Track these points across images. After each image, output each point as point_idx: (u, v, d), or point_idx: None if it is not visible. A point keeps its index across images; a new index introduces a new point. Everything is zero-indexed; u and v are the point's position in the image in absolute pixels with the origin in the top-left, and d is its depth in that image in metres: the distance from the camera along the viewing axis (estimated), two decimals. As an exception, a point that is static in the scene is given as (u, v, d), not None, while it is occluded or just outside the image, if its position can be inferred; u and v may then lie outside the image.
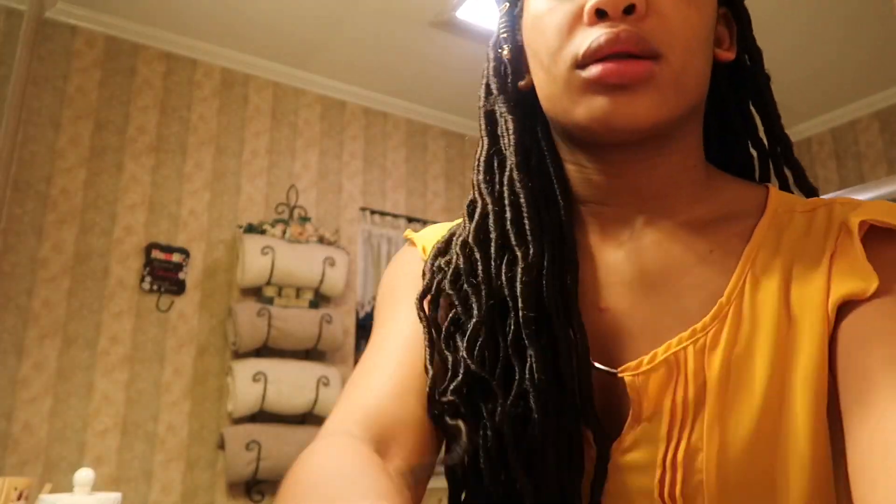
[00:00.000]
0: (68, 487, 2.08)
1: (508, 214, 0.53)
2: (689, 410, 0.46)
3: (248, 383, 2.69)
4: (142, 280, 2.75)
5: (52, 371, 2.54)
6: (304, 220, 3.12)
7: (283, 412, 2.78)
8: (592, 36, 0.47)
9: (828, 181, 3.54)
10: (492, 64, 0.59)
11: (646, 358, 0.48)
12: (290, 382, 2.76)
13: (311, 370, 2.83)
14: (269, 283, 2.87)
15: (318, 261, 2.93)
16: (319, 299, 3.03)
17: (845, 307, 0.45)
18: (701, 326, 0.47)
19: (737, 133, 0.59)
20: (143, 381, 2.69)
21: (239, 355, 2.84)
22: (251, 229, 2.94)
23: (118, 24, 2.91)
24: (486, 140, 0.57)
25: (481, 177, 0.56)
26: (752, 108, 0.58)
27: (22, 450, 2.44)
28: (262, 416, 2.81)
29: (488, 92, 0.59)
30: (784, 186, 0.57)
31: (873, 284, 0.44)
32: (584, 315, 0.50)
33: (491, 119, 0.58)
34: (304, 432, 2.78)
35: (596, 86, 0.48)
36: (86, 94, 2.82)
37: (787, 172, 0.57)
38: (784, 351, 0.46)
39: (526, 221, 0.52)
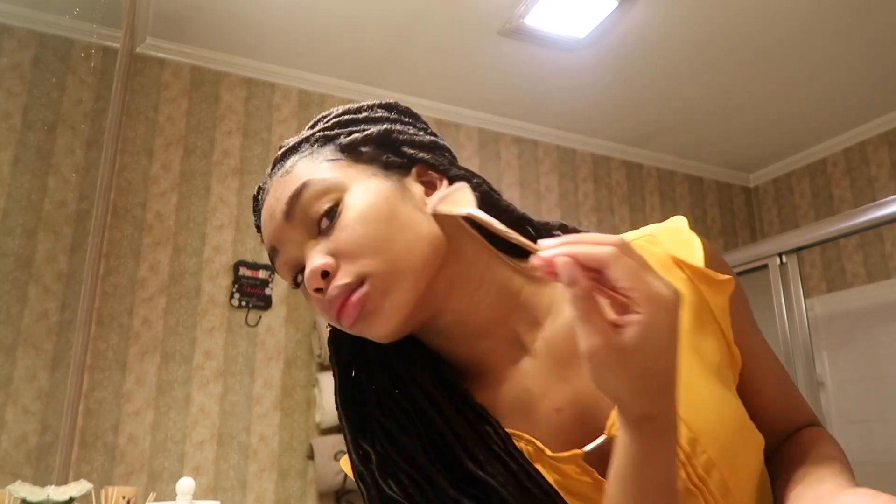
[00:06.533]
0: (171, 496, 2.18)
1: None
2: None
3: (333, 394, 2.75)
4: (231, 297, 2.87)
5: (152, 385, 2.68)
6: (382, 233, 3.17)
7: (369, 422, 2.82)
8: (320, 306, 0.60)
9: (842, 200, 3.83)
10: None
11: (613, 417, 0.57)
12: (374, 393, 2.80)
13: (394, 380, 2.87)
14: (350, 296, 2.93)
15: (396, 272, 2.97)
16: (399, 310, 3.07)
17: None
18: None
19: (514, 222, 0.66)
20: (236, 394, 2.80)
21: (324, 367, 2.91)
22: (332, 244, 3.02)
23: (202, 55, 3.06)
24: None
25: None
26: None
27: (128, 460, 2.58)
28: (348, 426, 2.87)
29: None
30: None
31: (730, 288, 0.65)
32: (548, 421, 0.60)
33: None
34: (389, 442, 2.82)
35: None
36: (175, 122, 2.98)
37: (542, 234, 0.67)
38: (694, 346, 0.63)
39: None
